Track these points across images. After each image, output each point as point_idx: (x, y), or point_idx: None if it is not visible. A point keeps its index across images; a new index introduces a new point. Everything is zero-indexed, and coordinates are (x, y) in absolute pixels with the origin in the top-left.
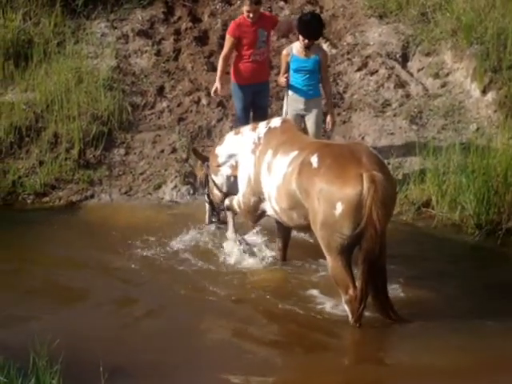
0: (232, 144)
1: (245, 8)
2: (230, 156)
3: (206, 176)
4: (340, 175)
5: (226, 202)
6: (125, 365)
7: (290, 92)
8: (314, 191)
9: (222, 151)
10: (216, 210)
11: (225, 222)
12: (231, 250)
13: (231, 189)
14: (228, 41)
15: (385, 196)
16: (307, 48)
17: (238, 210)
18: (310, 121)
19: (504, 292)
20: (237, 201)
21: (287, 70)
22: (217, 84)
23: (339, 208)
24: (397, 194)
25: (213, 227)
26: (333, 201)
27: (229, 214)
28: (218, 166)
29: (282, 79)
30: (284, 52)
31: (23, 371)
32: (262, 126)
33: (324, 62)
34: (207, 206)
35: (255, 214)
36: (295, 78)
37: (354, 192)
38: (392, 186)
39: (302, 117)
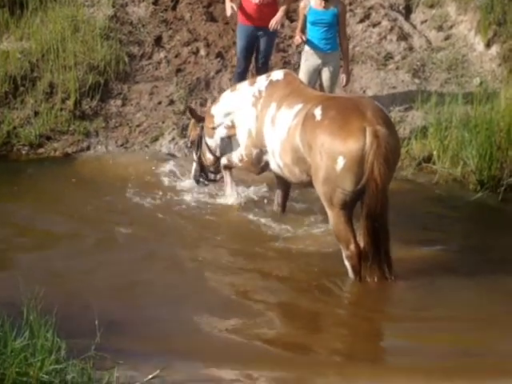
0: (228, 102)
1: None
2: (227, 115)
3: (200, 138)
4: (343, 128)
5: (223, 161)
6: (121, 318)
7: (307, 47)
8: (317, 145)
9: (217, 110)
10: (205, 171)
11: (212, 180)
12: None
13: (224, 152)
14: None
15: (388, 152)
16: (325, 0)
17: (239, 164)
18: (326, 75)
19: (504, 248)
20: (238, 155)
21: (304, 24)
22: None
23: (341, 162)
24: (400, 149)
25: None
26: (334, 155)
27: (226, 173)
28: (213, 128)
29: (296, 37)
30: (301, 4)
31: (17, 325)
32: (262, 80)
33: (343, 16)
34: (195, 164)
35: (259, 165)
36: (312, 32)
37: (357, 146)
38: (396, 141)
39: (319, 72)
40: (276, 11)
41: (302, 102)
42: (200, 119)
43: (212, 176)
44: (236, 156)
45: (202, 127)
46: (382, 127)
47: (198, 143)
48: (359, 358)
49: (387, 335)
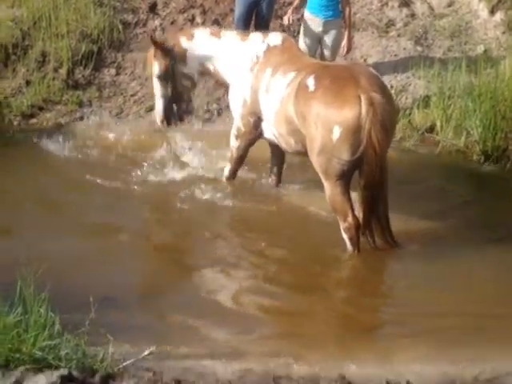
0: (213, 44)
1: None
2: (206, 55)
3: (172, 66)
4: (337, 97)
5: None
6: (115, 293)
7: (308, 13)
8: (311, 116)
9: (202, 37)
10: (181, 106)
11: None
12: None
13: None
14: None
15: (384, 119)
16: None
17: (237, 138)
18: (327, 43)
19: (508, 222)
20: (236, 128)
21: None
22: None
23: (337, 132)
24: (398, 116)
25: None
26: (330, 124)
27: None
28: (185, 51)
29: (285, 18)
30: None
31: (10, 299)
32: (259, 42)
33: None
34: (161, 102)
35: (256, 133)
36: None
37: (352, 114)
38: (392, 108)
39: (319, 41)
40: None
41: (296, 70)
42: (167, 51)
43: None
44: (234, 131)
45: (174, 57)
46: (377, 94)
47: (172, 73)
48: (357, 333)
49: (386, 310)
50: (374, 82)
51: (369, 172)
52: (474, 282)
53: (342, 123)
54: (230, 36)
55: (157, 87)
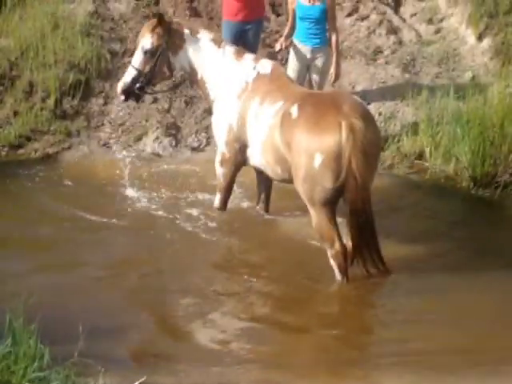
0: (210, 51)
1: None
2: (199, 59)
3: (163, 49)
4: (318, 124)
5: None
6: (104, 324)
7: (296, 41)
8: (295, 143)
9: (204, 38)
10: (144, 88)
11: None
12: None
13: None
14: None
15: (365, 145)
16: None
17: (221, 165)
18: (315, 71)
19: (497, 248)
20: (220, 154)
21: (294, 18)
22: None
23: (318, 159)
24: (381, 143)
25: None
26: (311, 152)
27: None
28: (183, 42)
29: (277, 45)
30: None
31: None
32: (250, 68)
33: (331, 10)
34: (131, 76)
35: (241, 159)
36: (300, 26)
37: (332, 141)
38: (374, 135)
39: (308, 68)
40: (261, 2)
41: (283, 98)
42: (167, 32)
43: (149, 90)
44: (218, 159)
45: (169, 42)
46: (359, 120)
47: (158, 54)
48: (349, 358)
49: (378, 336)
50: (356, 108)
51: (351, 198)
52: (463, 312)
53: (322, 150)
54: (229, 51)
55: (137, 59)
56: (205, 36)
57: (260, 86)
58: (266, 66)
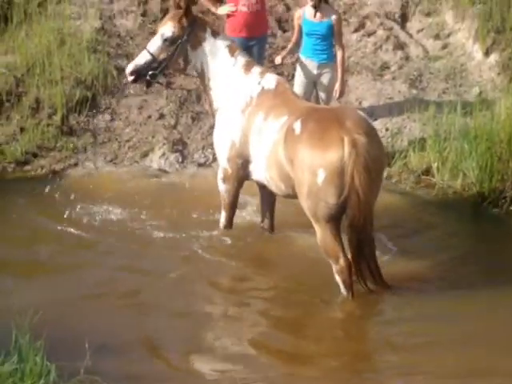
0: (223, 56)
1: None
2: (210, 62)
3: (182, 41)
4: (321, 140)
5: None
6: (110, 341)
7: (303, 57)
8: (298, 160)
9: (221, 42)
10: (157, 75)
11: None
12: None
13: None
14: None
15: (368, 161)
16: (315, 8)
17: (224, 182)
18: (322, 87)
19: (505, 265)
20: (222, 171)
21: (299, 34)
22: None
23: (321, 175)
24: (386, 159)
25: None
26: (315, 168)
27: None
28: (202, 40)
29: (277, 58)
30: (296, 14)
31: (5, 348)
32: (255, 81)
33: (338, 26)
34: (145, 59)
35: (243, 174)
36: (307, 42)
37: (335, 157)
38: (378, 150)
39: (314, 84)
40: (265, 18)
41: (287, 113)
42: (191, 23)
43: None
44: (220, 175)
45: (190, 35)
46: (361, 136)
47: (177, 44)
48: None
49: (381, 352)
50: (359, 124)
51: (353, 214)
52: (470, 332)
53: (325, 166)
54: (240, 61)
55: (153, 45)
56: (223, 40)
57: (264, 101)
58: (270, 81)
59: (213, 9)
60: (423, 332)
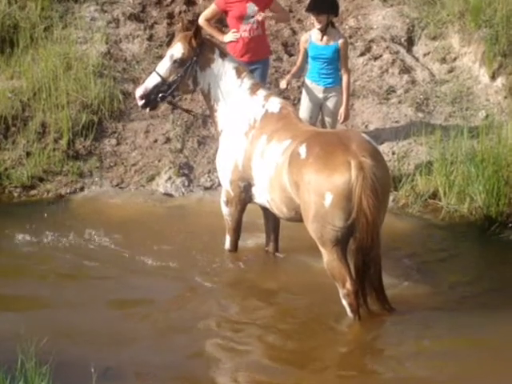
0: (230, 78)
1: None
2: (216, 84)
3: (192, 63)
4: (327, 164)
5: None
6: (116, 365)
7: (308, 80)
8: (304, 183)
9: (229, 63)
10: (166, 97)
11: (171, 104)
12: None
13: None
14: (210, 6)
15: (375, 183)
16: (322, 31)
17: (227, 205)
18: (327, 110)
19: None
20: (224, 194)
21: (304, 57)
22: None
23: (328, 198)
24: (391, 181)
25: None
26: (322, 191)
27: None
28: (210, 61)
29: (282, 82)
30: (302, 38)
31: (11, 373)
32: (259, 104)
33: (344, 50)
34: (155, 82)
35: (246, 197)
36: (313, 66)
37: (342, 180)
38: (383, 172)
39: (320, 108)
40: (266, 42)
41: (291, 137)
42: (200, 45)
43: (172, 100)
44: (223, 198)
45: (199, 56)
46: (367, 159)
47: (186, 65)
48: None
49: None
50: (364, 147)
51: (361, 236)
52: (473, 355)
53: (332, 190)
54: (246, 83)
55: (163, 66)
56: (231, 62)
57: (267, 125)
58: (274, 104)
59: (219, 37)
60: (431, 356)
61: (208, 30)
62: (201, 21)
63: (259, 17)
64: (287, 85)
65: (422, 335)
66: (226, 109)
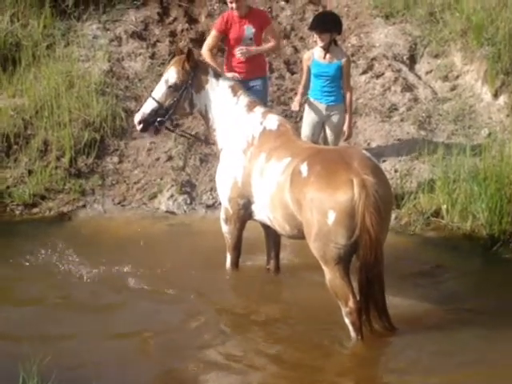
0: (227, 98)
1: None
2: (213, 104)
3: (186, 86)
4: (329, 183)
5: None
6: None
7: (311, 98)
8: (306, 202)
9: (224, 84)
10: (164, 122)
11: (169, 129)
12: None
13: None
14: (211, 33)
15: (377, 200)
16: (325, 49)
17: (226, 222)
18: (330, 128)
19: None
20: (224, 211)
21: (308, 75)
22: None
23: (331, 216)
24: (392, 197)
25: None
26: (324, 209)
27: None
28: (205, 83)
29: (294, 104)
30: (305, 56)
31: None
32: (257, 121)
33: (347, 68)
34: (151, 107)
35: (246, 214)
36: (315, 83)
37: (345, 198)
38: (386, 190)
39: (322, 125)
40: (263, 60)
41: (290, 155)
42: (194, 68)
43: (170, 125)
44: (222, 215)
45: (193, 79)
46: (369, 176)
47: (182, 89)
48: None
49: None
50: (365, 164)
51: (365, 254)
52: (477, 374)
53: (335, 208)
54: (242, 101)
55: (158, 91)
56: (225, 82)
57: (266, 142)
58: (272, 121)
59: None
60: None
61: (212, 63)
62: (204, 51)
63: (242, 56)
64: (300, 106)
65: (424, 354)
66: (223, 127)
